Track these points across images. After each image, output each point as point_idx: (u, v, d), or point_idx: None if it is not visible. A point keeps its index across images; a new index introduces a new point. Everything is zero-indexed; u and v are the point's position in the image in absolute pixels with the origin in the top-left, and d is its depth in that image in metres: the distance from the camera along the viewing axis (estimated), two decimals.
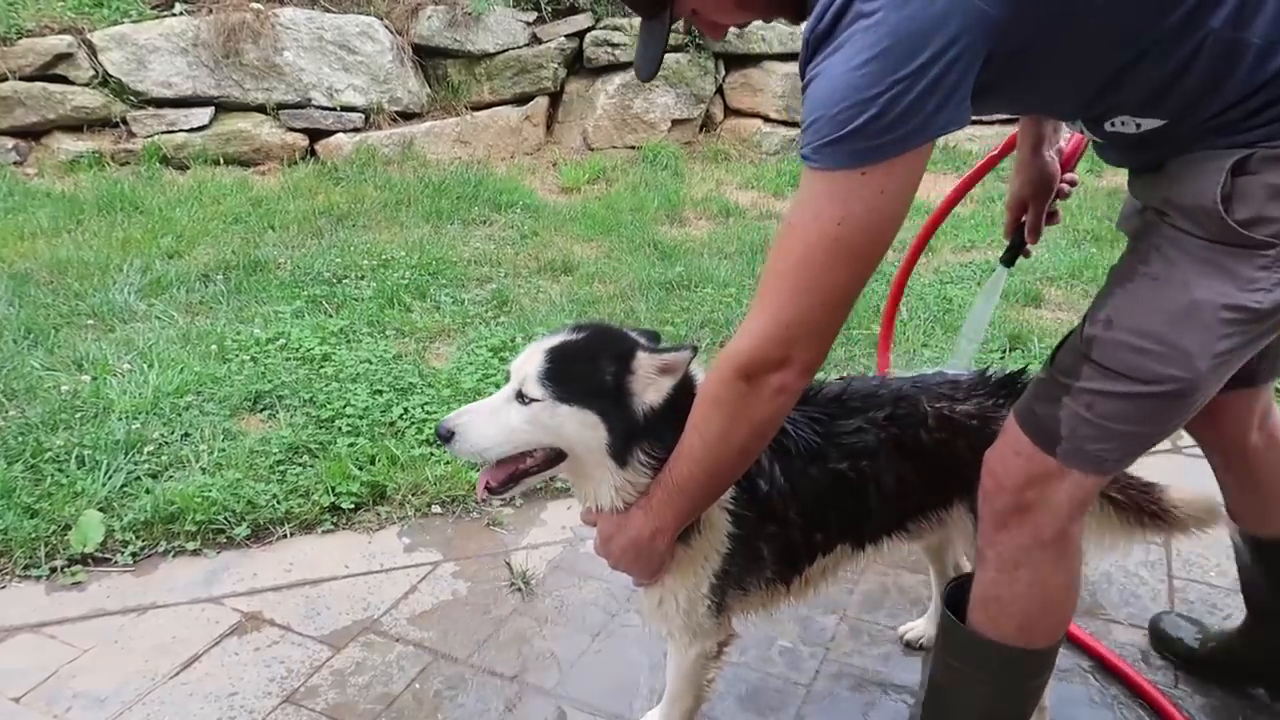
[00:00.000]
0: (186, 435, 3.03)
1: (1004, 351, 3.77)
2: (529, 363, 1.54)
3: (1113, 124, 1.37)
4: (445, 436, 1.55)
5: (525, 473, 1.61)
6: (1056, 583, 1.54)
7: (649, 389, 1.52)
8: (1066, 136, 1.96)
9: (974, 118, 1.28)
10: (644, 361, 1.52)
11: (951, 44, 1.15)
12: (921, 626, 2.26)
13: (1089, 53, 1.27)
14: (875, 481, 1.72)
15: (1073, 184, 1.98)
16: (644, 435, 1.52)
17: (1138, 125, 1.35)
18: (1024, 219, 2.04)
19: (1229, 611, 2.39)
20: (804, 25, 1.29)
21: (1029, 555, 1.51)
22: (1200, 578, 2.52)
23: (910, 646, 2.26)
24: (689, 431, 1.47)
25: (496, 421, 1.54)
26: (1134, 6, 1.22)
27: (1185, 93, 1.27)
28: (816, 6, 1.23)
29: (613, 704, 2.08)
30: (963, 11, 1.14)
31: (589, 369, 1.52)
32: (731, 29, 1.56)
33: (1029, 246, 2.09)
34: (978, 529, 1.60)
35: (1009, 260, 2.14)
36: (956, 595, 1.66)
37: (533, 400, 1.52)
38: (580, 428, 1.52)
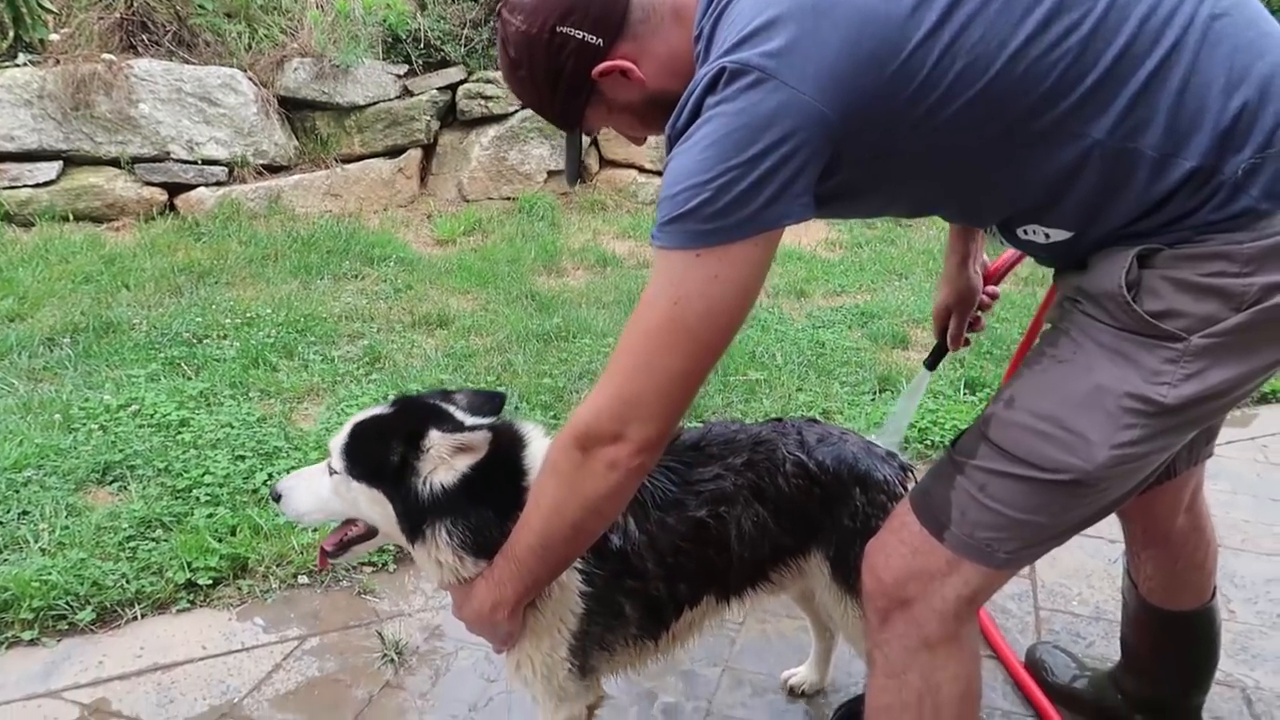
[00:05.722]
0: (25, 513, 2.81)
1: (874, 393, 3.88)
2: (339, 436, 1.58)
3: (1025, 231, 1.39)
4: (275, 497, 1.66)
5: (352, 540, 1.66)
6: (951, 691, 1.42)
7: (439, 469, 1.51)
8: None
9: (867, 219, 1.30)
10: (436, 441, 1.50)
11: (785, 139, 1.19)
12: (804, 672, 2.26)
13: (953, 159, 1.29)
14: (736, 528, 1.72)
15: (994, 297, 2.02)
16: (440, 514, 1.51)
17: (1046, 235, 1.36)
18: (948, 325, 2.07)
19: (1091, 639, 2.48)
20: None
21: (916, 658, 1.41)
22: (1064, 607, 2.61)
23: (794, 693, 2.25)
24: (529, 501, 1.45)
25: (312, 489, 1.62)
26: (989, 115, 1.22)
27: (1082, 203, 1.28)
28: (676, 107, 1.28)
29: None
30: (798, 110, 1.18)
31: (379, 447, 1.53)
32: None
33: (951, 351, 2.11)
34: (865, 629, 1.50)
35: (932, 364, 2.17)
36: None
37: (335, 473, 1.57)
38: (371, 504, 1.55)
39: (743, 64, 1.19)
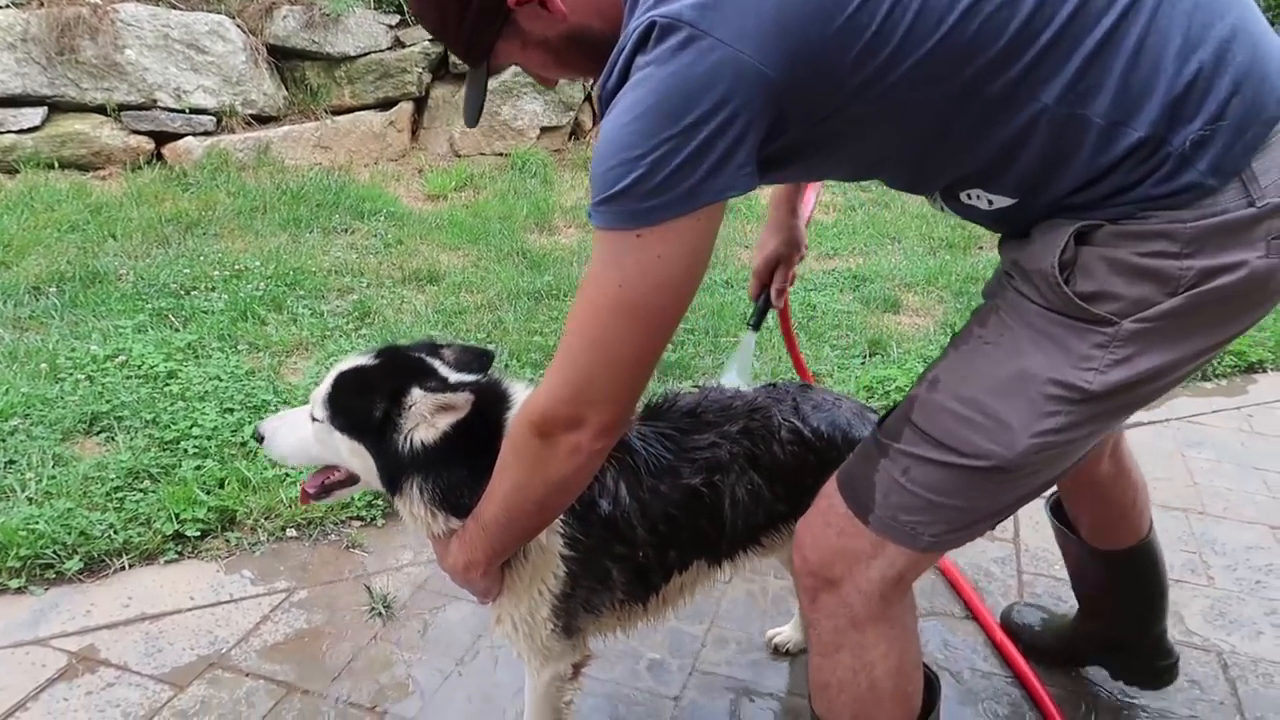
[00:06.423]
0: (11, 463, 2.80)
1: (864, 357, 3.88)
2: (323, 384, 1.59)
3: (968, 195, 1.32)
4: (258, 438, 1.68)
5: (333, 484, 1.68)
6: (884, 668, 1.40)
7: (420, 427, 1.50)
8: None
9: (824, 181, 1.23)
10: (419, 399, 1.49)
11: (722, 104, 1.08)
12: (789, 632, 2.28)
13: (902, 121, 1.21)
14: (730, 496, 1.71)
15: (805, 247, 2.10)
16: (419, 470, 1.52)
17: (989, 202, 1.30)
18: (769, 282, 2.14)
19: (1071, 602, 2.50)
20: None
21: (846, 637, 1.39)
22: (1046, 571, 2.64)
23: (778, 652, 2.28)
24: (495, 472, 1.42)
25: (295, 433, 1.63)
26: (941, 74, 1.14)
27: (1027, 169, 1.21)
28: (594, 46, 1.20)
29: None
30: (734, 72, 1.08)
31: (362, 400, 1.53)
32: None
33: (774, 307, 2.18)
34: (799, 607, 1.52)
35: (758, 324, 2.11)
36: None
37: (316, 421, 1.59)
38: (352, 454, 1.57)
39: (673, 18, 1.09)
